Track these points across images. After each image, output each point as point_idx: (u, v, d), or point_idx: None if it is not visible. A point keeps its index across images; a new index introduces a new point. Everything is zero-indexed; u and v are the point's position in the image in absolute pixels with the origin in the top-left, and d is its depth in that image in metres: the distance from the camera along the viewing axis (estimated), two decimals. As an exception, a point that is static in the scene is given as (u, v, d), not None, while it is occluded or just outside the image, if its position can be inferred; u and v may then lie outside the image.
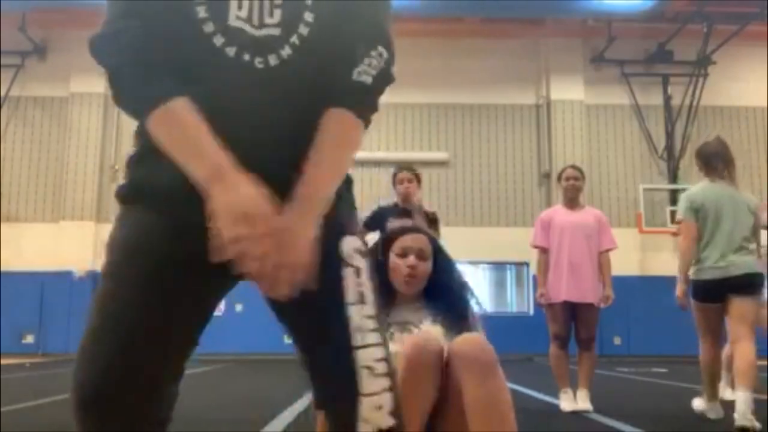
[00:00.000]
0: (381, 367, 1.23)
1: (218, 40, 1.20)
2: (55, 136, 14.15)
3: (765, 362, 7.57)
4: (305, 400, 4.71)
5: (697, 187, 4.42)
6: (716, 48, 13.87)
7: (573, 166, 5.43)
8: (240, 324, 12.76)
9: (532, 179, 14.32)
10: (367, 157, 13.97)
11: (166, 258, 1.22)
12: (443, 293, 2.31)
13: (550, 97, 14.35)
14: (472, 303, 2.36)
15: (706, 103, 14.37)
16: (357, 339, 1.24)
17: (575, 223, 5.04)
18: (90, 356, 1.17)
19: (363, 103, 1.27)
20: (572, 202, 5.15)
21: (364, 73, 1.26)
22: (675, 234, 13.61)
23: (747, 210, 4.23)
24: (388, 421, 1.21)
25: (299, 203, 1.16)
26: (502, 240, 13.52)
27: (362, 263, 1.29)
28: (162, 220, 1.23)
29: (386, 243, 2.37)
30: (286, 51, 1.22)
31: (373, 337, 1.25)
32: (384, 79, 1.31)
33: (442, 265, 2.36)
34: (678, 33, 13.80)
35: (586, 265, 4.96)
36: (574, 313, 4.94)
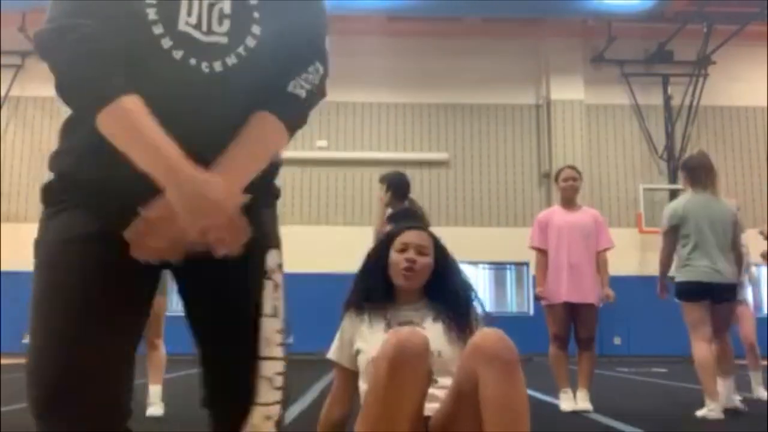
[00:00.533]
0: (279, 381, 1.35)
1: (166, 43, 1.23)
2: (55, 136, 14.12)
3: (765, 362, 7.56)
4: (305, 400, 4.71)
5: (680, 199, 4.79)
6: (716, 48, 13.86)
7: (570, 167, 5.42)
8: (240, 324, 12.77)
9: (532, 179, 14.31)
10: (368, 157, 13.98)
11: (105, 261, 1.24)
12: (445, 292, 2.29)
13: (550, 97, 14.35)
14: (475, 303, 2.33)
15: (706, 103, 14.37)
16: (264, 350, 1.34)
17: (573, 223, 5.04)
18: (39, 372, 1.20)
19: (293, 114, 1.35)
20: (570, 202, 5.15)
21: (299, 86, 1.34)
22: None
23: (728, 218, 4.58)
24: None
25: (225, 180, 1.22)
26: (502, 240, 13.52)
27: (280, 279, 1.41)
28: (97, 220, 1.25)
29: (388, 241, 2.36)
30: (232, 59, 1.27)
31: (278, 351, 1.38)
32: (317, 94, 1.40)
33: (444, 263, 2.34)
34: (678, 33, 13.80)
35: (585, 266, 4.96)
36: (573, 313, 4.94)
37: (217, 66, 1.27)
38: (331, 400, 2.31)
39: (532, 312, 13.00)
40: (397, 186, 5.05)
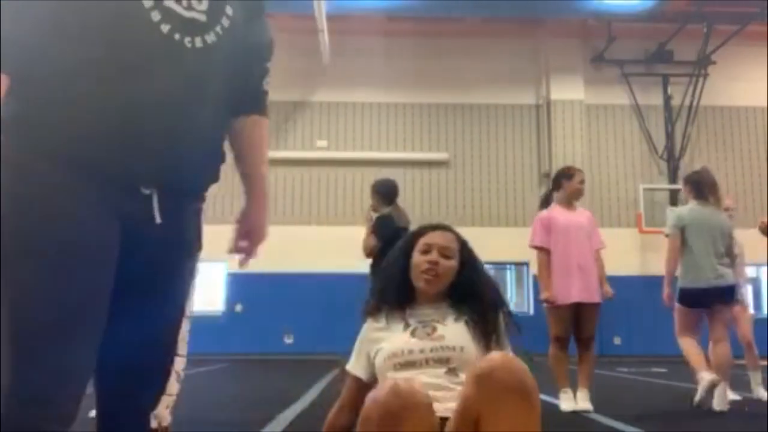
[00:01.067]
0: (182, 376, 1.49)
1: (155, 16, 1.30)
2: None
3: (765, 362, 7.55)
4: (305, 400, 4.71)
5: (686, 207, 5.13)
6: (716, 48, 13.86)
7: (578, 168, 5.40)
8: (240, 324, 12.77)
9: (532, 179, 14.31)
10: (368, 157, 13.98)
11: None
12: (469, 296, 2.15)
13: (550, 97, 14.35)
14: (503, 310, 2.18)
15: (706, 103, 14.37)
16: (180, 347, 1.39)
17: (577, 223, 5.02)
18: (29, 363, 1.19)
19: (267, 110, 1.60)
20: (572, 203, 5.13)
21: (267, 84, 1.59)
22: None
23: (726, 230, 4.98)
24: (168, 420, 1.43)
25: (262, 199, 1.59)
26: (502, 240, 13.50)
27: (195, 283, 1.50)
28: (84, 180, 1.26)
29: (412, 241, 2.24)
30: (211, 37, 1.37)
31: (185, 349, 1.46)
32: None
33: (470, 266, 2.21)
34: (678, 33, 13.80)
35: (590, 265, 4.95)
36: (577, 313, 4.91)
37: (198, 42, 1.35)
38: (340, 404, 2.19)
39: (532, 312, 13.01)
40: (384, 191, 5.07)
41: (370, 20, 13.63)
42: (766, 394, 5.57)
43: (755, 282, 14.17)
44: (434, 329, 2.06)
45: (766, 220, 5.35)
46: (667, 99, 14.67)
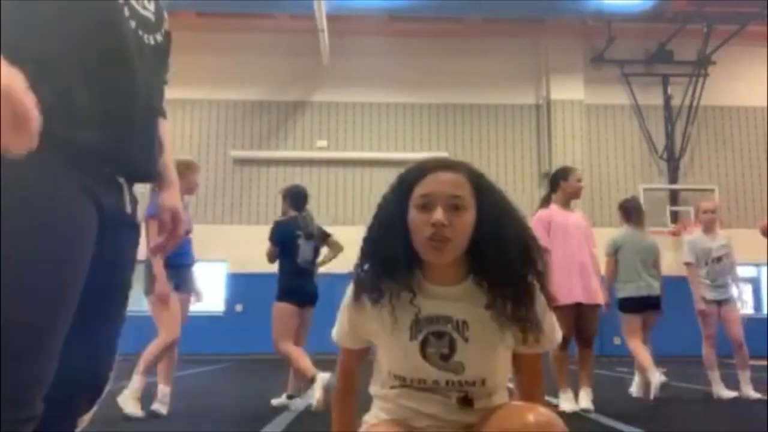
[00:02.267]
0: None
1: (126, 12, 1.39)
2: None
3: (765, 362, 7.56)
4: (305, 400, 4.71)
5: (620, 232, 5.85)
6: (716, 48, 13.87)
7: (575, 168, 5.49)
8: (240, 324, 12.75)
9: (532, 179, 14.31)
10: (368, 157, 13.98)
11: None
12: (496, 263, 1.51)
13: (550, 97, 14.35)
14: (532, 278, 1.56)
15: (706, 103, 14.37)
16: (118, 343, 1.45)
17: (575, 223, 5.02)
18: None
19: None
20: (569, 204, 5.13)
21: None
22: (675, 234, 13.63)
23: (653, 249, 5.77)
24: (86, 422, 1.41)
25: (176, 188, 1.63)
26: (502, 240, 13.52)
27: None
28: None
29: (407, 191, 1.56)
30: (158, 37, 1.48)
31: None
32: None
33: (492, 215, 1.53)
34: (678, 33, 13.80)
35: (590, 265, 4.96)
36: (578, 313, 4.91)
37: (152, 40, 1.46)
38: (339, 372, 1.75)
39: (532, 312, 13.00)
40: (292, 196, 5.19)
41: (370, 20, 13.63)
42: (754, 392, 5.58)
43: (755, 282, 14.17)
44: (452, 350, 1.53)
45: (766, 222, 5.35)
46: (667, 99, 14.67)
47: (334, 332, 1.70)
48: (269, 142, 14.27)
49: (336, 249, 5.43)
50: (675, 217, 14.08)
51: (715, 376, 5.71)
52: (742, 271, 6.22)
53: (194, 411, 4.42)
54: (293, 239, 5.05)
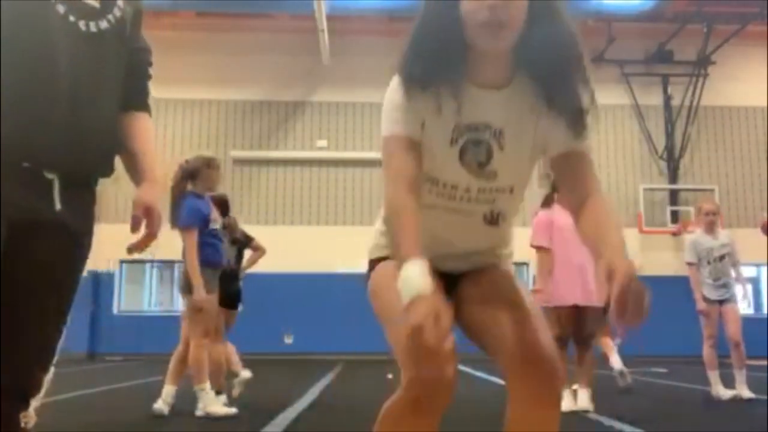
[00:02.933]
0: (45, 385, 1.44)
1: None
2: None
3: (765, 362, 7.58)
4: (305, 400, 4.71)
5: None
6: (716, 48, 13.87)
7: None
8: (240, 324, 12.75)
9: (533, 179, 14.30)
10: (368, 157, 13.98)
11: None
12: (543, 56, 1.48)
13: (550, 97, 14.33)
14: (578, 76, 1.57)
15: (706, 103, 14.37)
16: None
17: (573, 225, 5.01)
18: None
19: (150, 110, 1.64)
20: None
21: (148, 85, 1.62)
22: (675, 234, 13.64)
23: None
24: (34, 419, 1.41)
25: (156, 184, 1.56)
26: (502, 240, 13.54)
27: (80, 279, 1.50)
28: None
29: None
30: (104, 24, 1.44)
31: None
32: None
33: (543, 8, 1.47)
34: (678, 33, 13.80)
35: (589, 267, 4.94)
36: (577, 314, 4.90)
37: (92, 27, 1.41)
38: (396, 182, 1.49)
39: (532, 312, 13.00)
40: (220, 204, 5.32)
41: (370, 20, 13.63)
42: (749, 392, 5.57)
43: (755, 282, 14.17)
44: (488, 158, 1.53)
45: (766, 217, 5.34)
46: (667, 99, 14.67)
47: (388, 128, 1.55)
48: (269, 142, 14.27)
49: (260, 252, 5.75)
50: (675, 217, 14.08)
51: (715, 376, 5.70)
52: (742, 271, 6.19)
53: (194, 411, 4.42)
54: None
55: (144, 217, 1.52)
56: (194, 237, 4.33)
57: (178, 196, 4.44)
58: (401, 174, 1.48)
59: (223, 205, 5.32)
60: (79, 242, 1.43)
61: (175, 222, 4.37)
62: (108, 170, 1.49)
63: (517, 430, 1.47)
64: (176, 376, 4.58)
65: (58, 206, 1.35)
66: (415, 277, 1.29)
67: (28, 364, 1.37)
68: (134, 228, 1.52)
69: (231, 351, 5.00)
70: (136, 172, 1.56)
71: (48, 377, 1.44)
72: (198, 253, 4.32)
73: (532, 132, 1.55)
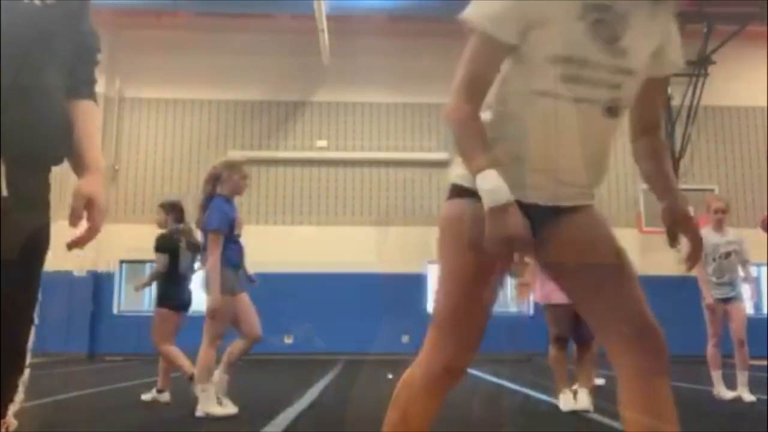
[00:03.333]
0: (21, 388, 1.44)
1: None
2: None
3: (765, 362, 7.58)
4: (305, 400, 4.71)
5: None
6: (716, 48, 13.86)
7: None
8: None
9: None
10: (368, 157, 13.98)
11: None
12: None
13: (550, 97, 14.34)
14: None
15: (706, 103, 14.36)
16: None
17: None
18: None
19: (96, 98, 1.58)
20: None
21: (95, 72, 1.57)
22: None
23: None
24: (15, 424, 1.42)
25: (99, 174, 1.48)
26: (502, 240, 13.52)
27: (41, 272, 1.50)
28: None
29: None
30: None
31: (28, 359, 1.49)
32: None
33: None
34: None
35: None
36: (575, 314, 4.90)
37: (38, 2, 1.36)
38: (471, 81, 1.60)
39: (531, 312, 13.00)
40: (174, 210, 5.54)
41: (370, 20, 13.63)
42: (749, 395, 5.56)
43: (755, 282, 14.15)
44: (621, 33, 1.52)
45: (767, 216, 5.33)
46: (667, 99, 14.66)
47: (485, 17, 1.57)
48: (269, 142, 14.26)
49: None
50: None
51: (717, 376, 5.69)
52: (751, 270, 6.18)
53: (194, 411, 4.42)
54: (176, 249, 5.42)
55: (85, 209, 1.42)
56: (221, 241, 4.40)
57: (206, 199, 4.58)
58: (475, 82, 1.56)
59: (178, 212, 5.51)
60: (32, 234, 1.36)
61: (204, 224, 4.48)
62: (60, 154, 1.42)
63: (636, 399, 1.62)
64: (229, 366, 4.67)
65: (4, 192, 1.28)
66: (499, 187, 1.43)
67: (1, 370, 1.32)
68: (73, 221, 1.41)
69: (179, 354, 5.11)
70: (78, 162, 1.48)
71: (23, 379, 1.42)
72: (222, 253, 4.38)
73: (658, 35, 1.62)
